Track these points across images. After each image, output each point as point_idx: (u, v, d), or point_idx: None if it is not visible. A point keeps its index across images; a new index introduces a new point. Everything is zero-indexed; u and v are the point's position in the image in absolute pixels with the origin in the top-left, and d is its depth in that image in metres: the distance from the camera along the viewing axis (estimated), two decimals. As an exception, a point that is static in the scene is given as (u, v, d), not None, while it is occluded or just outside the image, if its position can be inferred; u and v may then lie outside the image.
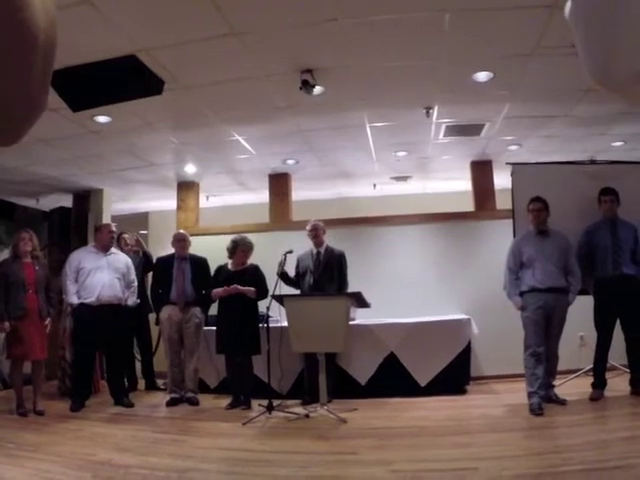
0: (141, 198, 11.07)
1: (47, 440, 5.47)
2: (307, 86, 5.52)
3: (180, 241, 7.64)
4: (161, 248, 8.80)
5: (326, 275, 7.25)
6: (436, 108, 6.74)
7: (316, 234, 7.41)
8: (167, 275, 7.48)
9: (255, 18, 4.58)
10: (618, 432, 5.00)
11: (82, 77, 5.25)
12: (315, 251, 7.42)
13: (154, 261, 8.21)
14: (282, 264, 6.93)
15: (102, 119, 6.56)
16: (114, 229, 7.61)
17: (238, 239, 7.20)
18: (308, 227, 7.46)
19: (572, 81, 5.99)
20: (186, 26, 4.63)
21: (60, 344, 8.03)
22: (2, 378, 8.21)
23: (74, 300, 7.08)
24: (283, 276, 7.09)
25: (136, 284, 7.62)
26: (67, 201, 10.44)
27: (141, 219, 12.06)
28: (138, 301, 7.62)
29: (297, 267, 7.45)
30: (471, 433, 5.29)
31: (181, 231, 8.00)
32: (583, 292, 6.45)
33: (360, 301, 6.70)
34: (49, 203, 10.64)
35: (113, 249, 7.60)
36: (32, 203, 10.66)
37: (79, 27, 4.53)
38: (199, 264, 7.61)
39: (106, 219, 9.92)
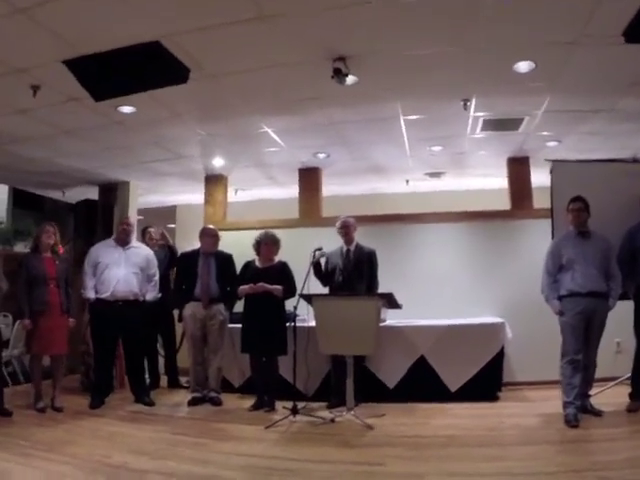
0: (169, 191, 10.99)
1: (62, 439, 5.37)
2: (339, 75, 5.30)
3: (212, 236, 7.44)
4: (188, 242, 8.63)
5: (356, 274, 7.03)
6: (474, 100, 6.51)
7: (347, 231, 7.19)
8: (191, 271, 7.30)
9: (285, 0, 4.37)
10: (658, 447, 4.74)
11: (104, 65, 5.16)
12: (345, 249, 7.20)
13: (178, 257, 8.02)
14: (316, 259, 6.82)
15: (126, 109, 6.44)
16: (130, 222, 7.51)
17: (261, 235, 7.05)
18: (338, 224, 7.24)
19: (617, 73, 5.80)
20: (212, 9, 4.44)
21: (83, 338, 7.91)
22: (23, 371, 8.10)
23: (91, 295, 7.01)
24: (316, 266, 6.96)
25: (157, 278, 7.47)
26: (93, 193, 10.37)
27: (169, 212, 12.01)
28: (159, 296, 7.48)
29: (326, 264, 7.23)
30: (504, 445, 5.09)
31: (213, 227, 7.79)
32: (623, 296, 6.18)
33: (391, 302, 6.50)
34: (75, 195, 10.60)
35: (136, 243, 7.50)
36: (58, 195, 10.61)
37: (100, 12, 4.42)
38: (225, 260, 7.41)
39: (132, 212, 9.84)
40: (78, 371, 8.23)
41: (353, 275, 7.02)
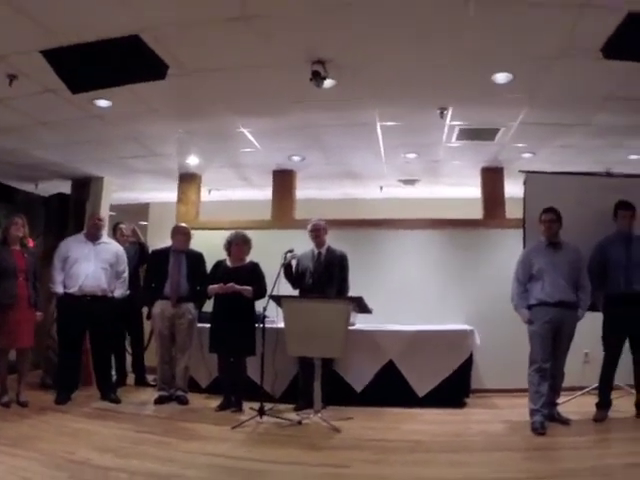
0: (142, 188, 10.91)
1: (27, 434, 5.32)
2: (318, 78, 5.28)
3: (184, 234, 7.44)
4: (160, 240, 8.57)
5: (326, 277, 7.03)
6: (451, 109, 6.53)
7: (317, 234, 7.20)
8: (161, 269, 7.25)
9: (268, 1, 4.35)
10: (623, 457, 4.78)
11: (82, 57, 5.09)
12: (316, 252, 7.20)
13: (149, 254, 7.96)
14: (287, 260, 6.82)
15: (103, 103, 6.36)
16: (101, 217, 7.47)
17: (232, 235, 7.04)
18: (309, 227, 7.25)
19: (593, 88, 5.85)
20: (194, 5, 4.39)
21: (48, 333, 7.80)
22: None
23: (59, 289, 6.95)
24: (287, 268, 6.95)
25: (126, 275, 7.42)
26: (66, 187, 10.25)
27: (142, 210, 11.94)
28: (127, 292, 7.42)
29: (297, 267, 7.20)
30: (470, 451, 5.13)
31: (185, 225, 7.78)
32: (592, 308, 6.25)
33: (361, 306, 6.51)
34: (48, 188, 10.46)
35: (106, 238, 7.44)
36: (31, 188, 10.49)
37: (81, 2, 4.32)
38: (196, 259, 7.39)
39: (105, 208, 9.74)
40: (41, 366, 8.13)
41: (323, 278, 7.01)
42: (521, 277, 6.20)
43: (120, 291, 7.26)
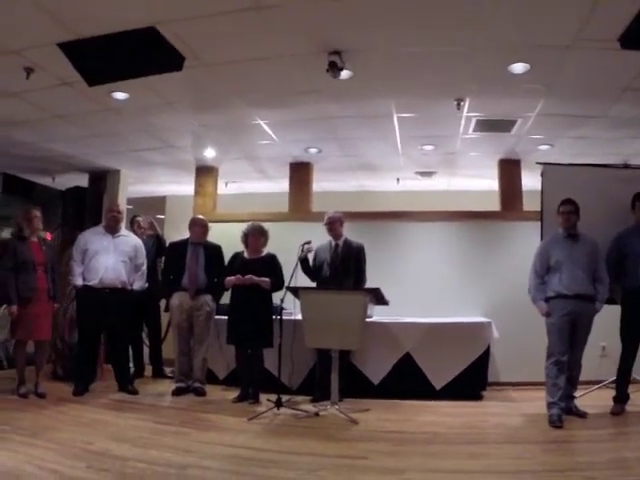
0: (159, 181, 10.94)
1: (45, 425, 5.33)
2: (334, 68, 5.29)
3: (202, 227, 7.43)
4: (177, 233, 8.59)
5: (343, 268, 7.02)
6: (467, 100, 6.51)
7: (333, 227, 7.19)
8: (180, 261, 7.26)
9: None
10: (641, 450, 4.75)
11: (98, 49, 5.11)
12: (333, 243, 7.19)
13: (167, 247, 7.96)
14: (305, 253, 6.82)
15: (120, 95, 6.39)
16: (120, 209, 7.44)
17: (248, 227, 7.03)
18: (325, 219, 7.23)
19: (611, 78, 5.81)
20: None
21: (61, 327, 7.81)
22: (6, 357, 8.05)
23: (78, 282, 6.94)
24: (304, 262, 6.93)
25: (145, 268, 7.42)
26: (83, 181, 10.29)
27: (158, 203, 11.97)
28: (146, 285, 7.43)
29: (314, 259, 7.20)
30: (487, 443, 5.09)
31: (203, 217, 7.77)
32: (610, 301, 6.19)
33: (378, 298, 6.50)
34: (65, 182, 10.50)
35: (124, 231, 7.42)
36: (48, 181, 10.54)
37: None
38: (213, 251, 7.40)
39: (122, 201, 9.77)
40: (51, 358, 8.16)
41: (340, 270, 7.01)
42: (539, 269, 6.16)
43: (139, 284, 7.26)
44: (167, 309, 7.51)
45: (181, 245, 7.41)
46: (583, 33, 4.84)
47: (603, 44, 4.98)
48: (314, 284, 7.12)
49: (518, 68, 5.62)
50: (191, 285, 7.15)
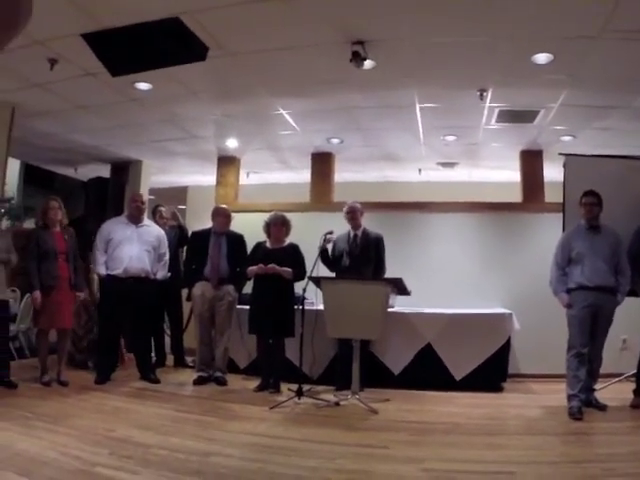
0: (181, 172, 10.99)
1: (67, 412, 5.38)
2: (358, 58, 5.30)
3: (224, 216, 7.42)
4: (199, 223, 8.61)
5: (362, 258, 7.04)
6: (490, 91, 6.49)
7: (353, 216, 7.19)
8: (202, 250, 7.27)
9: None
10: (661, 443, 4.74)
11: (122, 40, 5.14)
12: (352, 234, 7.20)
13: (189, 235, 8.00)
14: (325, 243, 6.81)
15: (143, 86, 6.44)
16: (142, 199, 7.44)
17: (270, 217, 7.05)
18: (345, 209, 7.24)
19: (636, 69, 5.78)
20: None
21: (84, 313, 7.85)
22: (29, 346, 8.13)
23: (102, 270, 6.97)
24: (323, 252, 6.95)
25: (167, 258, 7.45)
26: (105, 171, 10.37)
27: (180, 193, 12.02)
28: (168, 275, 7.47)
29: (333, 249, 7.22)
30: (507, 434, 5.10)
31: (225, 206, 7.80)
32: (631, 293, 6.15)
33: (400, 288, 6.52)
34: (87, 172, 10.59)
35: (147, 221, 7.45)
36: (71, 172, 10.62)
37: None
38: (236, 241, 7.40)
39: (144, 191, 9.84)
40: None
41: (360, 259, 7.02)
42: (560, 261, 6.13)
43: (162, 273, 7.29)
44: (189, 298, 7.53)
45: (204, 235, 7.42)
46: (609, 24, 4.82)
47: (629, 35, 4.95)
48: (334, 274, 7.12)
49: (542, 58, 5.59)
50: (213, 275, 7.15)
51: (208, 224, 7.50)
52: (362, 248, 7.08)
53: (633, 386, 6.20)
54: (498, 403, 6.43)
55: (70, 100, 6.90)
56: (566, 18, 4.78)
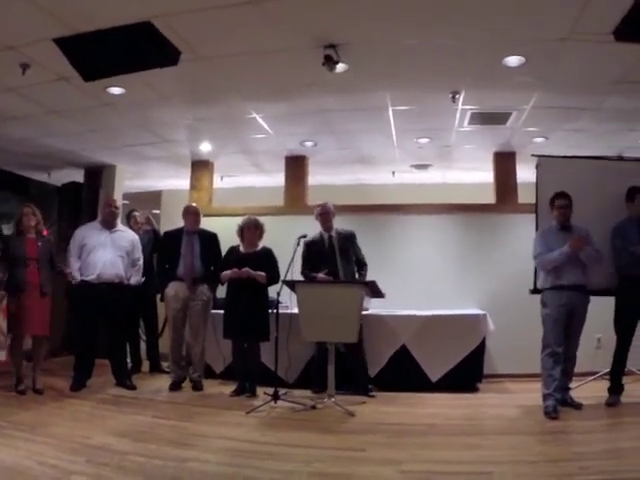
0: (155, 176, 10.92)
1: (43, 420, 5.34)
2: (330, 62, 5.30)
3: (194, 214, 7.42)
4: (173, 227, 8.60)
5: (343, 259, 7.05)
6: (462, 93, 6.52)
7: (327, 218, 7.19)
8: (175, 250, 7.24)
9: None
10: (635, 441, 4.79)
11: (94, 44, 5.12)
12: (326, 236, 7.18)
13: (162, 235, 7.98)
14: (295, 250, 6.73)
15: (116, 90, 6.39)
16: (116, 203, 7.44)
17: (244, 220, 7.05)
18: (318, 210, 7.22)
19: (605, 71, 5.83)
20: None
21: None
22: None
23: (77, 276, 6.94)
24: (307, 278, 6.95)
25: (141, 263, 7.42)
26: (79, 176, 10.30)
27: (154, 197, 11.93)
28: (142, 280, 7.45)
29: (306, 253, 7.14)
30: (484, 434, 5.13)
31: (194, 204, 7.81)
32: (605, 292, 6.22)
33: (374, 291, 6.53)
34: (61, 178, 10.51)
35: (121, 226, 7.43)
36: (44, 177, 10.54)
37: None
38: (209, 239, 7.38)
39: (118, 196, 9.78)
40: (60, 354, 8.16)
41: (340, 261, 7.03)
42: (543, 250, 6.12)
43: (136, 278, 7.28)
44: (162, 299, 7.50)
45: (176, 234, 7.40)
46: (578, 26, 4.86)
47: (597, 37, 5.00)
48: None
49: (513, 61, 5.63)
50: (187, 274, 7.13)
51: (182, 223, 7.49)
52: (341, 249, 7.07)
53: (608, 384, 6.25)
54: (474, 403, 6.47)
55: (43, 105, 6.85)
56: (536, 21, 4.81)
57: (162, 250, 7.67)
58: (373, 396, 6.71)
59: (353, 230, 7.25)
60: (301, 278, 6.85)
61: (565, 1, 4.49)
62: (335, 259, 7.04)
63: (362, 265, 7.13)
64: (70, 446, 4.50)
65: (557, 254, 5.94)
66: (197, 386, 7.04)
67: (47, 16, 4.68)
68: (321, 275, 6.84)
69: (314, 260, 7.09)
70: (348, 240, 7.13)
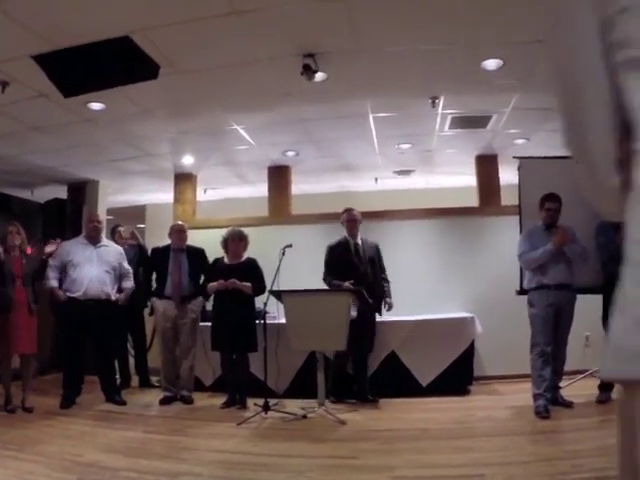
0: (138, 190, 10.91)
1: (33, 438, 5.29)
2: (309, 71, 5.33)
3: (177, 232, 7.41)
4: (158, 242, 8.54)
5: (372, 268, 7.04)
6: (442, 98, 6.55)
7: (354, 225, 7.14)
8: (163, 268, 7.26)
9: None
10: (628, 437, 4.78)
11: (73, 60, 5.10)
12: (352, 242, 7.11)
13: (149, 253, 7.95)
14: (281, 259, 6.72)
15: (96, 106, 6.39)
16: (98, 218, 7.42)
17: (228, 232, 7.04)
18: (345, 216, 7.18)
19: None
20: (182, 4, 4.42)
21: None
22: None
23: (53, 284, 6.86)
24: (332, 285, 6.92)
25: (131, 271, 7.39)
26: (62, 193, 10.27)
27: (138, 212, 11.93)
28: (133, 286, 7.38)
29: (329, 258, 7.08)
30: (475, 437, 5.14)
31: (180, 222, 7.80)
32: (592, 291, 6.24)
33: (361, 298, 6.50)
34: (44, 194, 10.47)
35: (105, 241, 7.40)
36: (27, 195, 10.49)
37: (69, 5, 4.34)
38: (197, 255, 7.39)
39: (102, 211, 9.75)
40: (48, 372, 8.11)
41: (370, 269, 7.02)
42: (529, 249, 6.13)
43: (129, 283, 7.26)
44: (151, 313, 7.48)
45: (163, 251, 7.40)
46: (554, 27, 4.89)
47: (575, 37, 5.03)
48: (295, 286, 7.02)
49: (491, 64, 5.66)
50: (175, 293, 7.13)
51: (168, 242, 7.49)
52: (370, 258, 7.07)
53: (598, 382, 6.26)
54: (465, 406, 6.48)
55: (23, 122, 6.83)
56: (513, 24, 4.84)
57: (149, 266, 7.66)
58: (376, 401, 6.72)
59: (378, 242, 7.29)
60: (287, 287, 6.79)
61: (540, 3, 4.51)
62: (364, 266, 6.99)
63: (383, 278, 7.15)
64: (61, 464, 4.46)
65: (541, 252, 5.97)
66: (187, 400, 7.02)
67: (25, 32, 4.67)
68: (347, 284, 6.77)
69: (338, 266, 6.99)
70: (374, 249, 7.15)
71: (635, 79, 1.26)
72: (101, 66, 5.18)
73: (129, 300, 7.40)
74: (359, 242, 7.14)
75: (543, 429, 5.25)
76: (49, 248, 6.79)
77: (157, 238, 9.23)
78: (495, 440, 4.94)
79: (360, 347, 6.78)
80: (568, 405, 5.98)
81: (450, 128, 7.65)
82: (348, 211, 7.23)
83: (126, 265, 7.35)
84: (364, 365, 6.96)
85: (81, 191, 10.06)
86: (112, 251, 7.28)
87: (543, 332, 5.89)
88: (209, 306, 7.22)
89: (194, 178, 10.00)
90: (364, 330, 6.78)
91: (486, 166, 9.09)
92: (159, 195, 10.91)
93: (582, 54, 1.38)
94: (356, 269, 6.96)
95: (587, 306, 6.14)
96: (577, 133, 1.46)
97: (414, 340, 7.20)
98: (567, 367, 6.28)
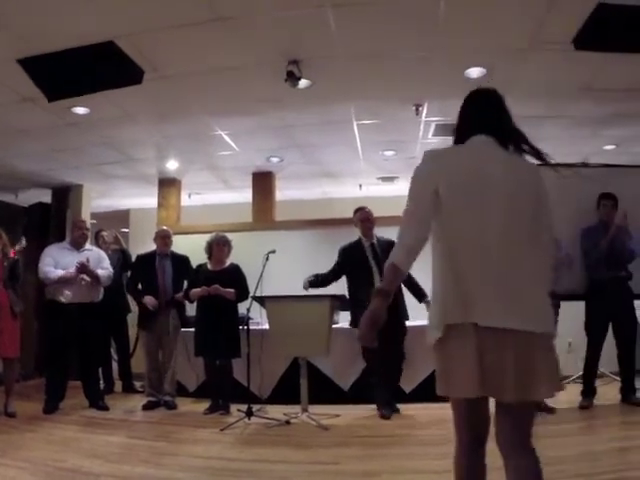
0: (122, 195, 10.88)
1: (16, 444, 5.27)
2: (292, 78, 5.35)
3: (162, 237, 7.38)
4: (142, 246, 8.56)
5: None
6: (426, 105, 6.59)
7: (370, 225, 6.95)
8: (147, 273, 7.24)
9: (240, 1, 4.39)
10: (610, 442, 4.87)
11: (57, 65, 5.10)
12: (367, 243, 6.95)
13: (133, 258, 7.93)
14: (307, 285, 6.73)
15: (80, 110, 6.39)
16: (86, 225, 7.39)
17: (212, 237, 7.04)
18: (360, 216, 6.98)
19: (567, 79, 5.91)
20: (166, 10, 4.43)
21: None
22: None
23: (57, 273, 6.76)
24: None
25: (111, 270, 7.27)
26: (46, 197, 10.23)
27: (122, 216, 11.89)
28: (111, 273, 7.25)
29: (340, 259, 6.96)
30: (460, 442, 5.11)
31: (165, 227, 7.77)
32: (574, 297, 6.29)
33: (344, 304, 6.52)
34: (28, 198, 10.43)
35: (88, 245, 7.35)
36: (11, 198, 10.45)
37: (54, 10, 4.35)
38: (181, 263, 7.39)
39: (86, 216, 9.70)
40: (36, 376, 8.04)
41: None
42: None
43: (107, 271, 7.12)
44: (141, 308, 7.28)
45: (148, 257, 7.39)
46: (537, 36, 4.93)
47: (558, 46, 5.07)
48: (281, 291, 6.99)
49: (474, 72, 5.72)
50: (160, 297, 7.11)
51: (151, 247, 7.48)
52: (384, 259, 6.89)
53: (581, 388, 6.36)
54: (449, 412, 6.39)
55: (8, 125, 6.80)
56: (496, 32, 4.89)
57: (134, 272, 7.65)
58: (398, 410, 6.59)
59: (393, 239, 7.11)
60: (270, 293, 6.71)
61: (524, 12, 4.55)
62: (377, 267, 6.71)
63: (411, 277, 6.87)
64: (44, 470, 4.45)
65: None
66: (170, 405, 7.00)
67: (10, 36, 4.67)
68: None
69: (352, 269, 6.87)
70: (391, 247, 6.95)
71: None
72: (86, 71, 5.20)
73: (112, 304, 7.38)
74: (375, 242, 6.93)
75: (526, 435, 5.26)
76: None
77: (141, 243, 9.24)
78: (479, 446, 4.95)
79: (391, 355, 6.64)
80: (551, 411, 6.00)
81: (434, 135, 7.68)
82: (361, 210, 7.01)
83: (105, 264, 7.21)
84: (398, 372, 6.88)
85: (65, 195, 10.02)
86: (94, 255, 7.17)
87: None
88: (192, 312, 7.19)
89: (178, 183, 10.01)
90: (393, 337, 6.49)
91: (470, 173, 9.08)
92: (143, 200, 10.89)
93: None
94: (366, 269, 6.76)
95: (569, 312, 6.14)
96: None
97: (397, 346, 7.15)
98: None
